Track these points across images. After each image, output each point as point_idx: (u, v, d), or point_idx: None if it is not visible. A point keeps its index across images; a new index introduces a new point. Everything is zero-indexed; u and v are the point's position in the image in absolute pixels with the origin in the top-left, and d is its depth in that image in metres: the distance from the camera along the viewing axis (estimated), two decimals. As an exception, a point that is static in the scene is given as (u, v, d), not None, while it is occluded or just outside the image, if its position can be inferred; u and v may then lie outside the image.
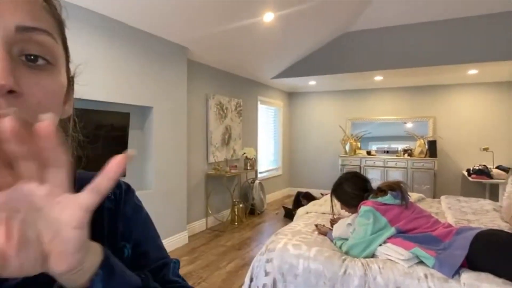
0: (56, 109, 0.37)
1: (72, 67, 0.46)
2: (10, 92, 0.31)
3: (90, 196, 0.27)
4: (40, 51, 0.34)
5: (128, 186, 0.50)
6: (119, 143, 3.09)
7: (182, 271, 3.13)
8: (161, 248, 0.51)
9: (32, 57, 0.34)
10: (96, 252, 0.34)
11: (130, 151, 0.29)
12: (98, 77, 2.81)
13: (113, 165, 0.28)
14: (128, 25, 3.07)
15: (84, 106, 2.78)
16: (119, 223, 0.46)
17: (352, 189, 2.09)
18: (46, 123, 0.26)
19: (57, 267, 0.27)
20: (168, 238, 3.61)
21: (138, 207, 0.50)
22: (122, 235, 0.46)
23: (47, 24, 0.35)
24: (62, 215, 0.26)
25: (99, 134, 2.85)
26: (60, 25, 0.39)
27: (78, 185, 0.43)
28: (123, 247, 0.46)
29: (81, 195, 0.27)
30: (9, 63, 0.31)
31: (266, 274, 1.98)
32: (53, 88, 0.36)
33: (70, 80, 0.42)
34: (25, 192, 0.26)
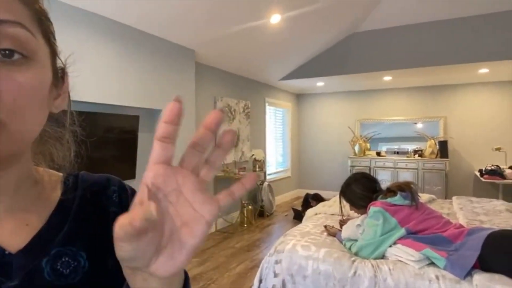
0: (37, 106, 0.34)
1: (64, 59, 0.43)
2: None
3: (226, 199, 0.29)
4: (13, 44, 0.31)
5: (132, 190, 0.50)
6: (128, 146, 3.12)
7: (192, 273, 3.14)
8: None
9: (5, 52, 0.31)
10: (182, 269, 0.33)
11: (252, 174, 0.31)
12: (108, 80, 2.85)
13: (251, 179, 0.30)
14: (136, 29, 3.11)
15: (94, 109, 2.82)
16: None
17: (360, 190, 2.07)
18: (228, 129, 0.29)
19: (164, 267, 0.27)
20: (178, 240, 3.62)
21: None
22: None
23: (21, 16, 0.33)
24: (202, 208, 0.28)
25: (109, 137, 2.89)
26: (39, 16, 0.36)
27: (81, 186, 0.44)
28: None
29: (219, 195, 0.29)
30: None
31: (275, 275, 1.98)
32: (31, 84, 0.33)
33: (58, 73, 0.40)
34: (179, 175, 0.28)
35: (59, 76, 0.40)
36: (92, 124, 2.80)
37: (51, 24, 0.39)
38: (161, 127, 0.27)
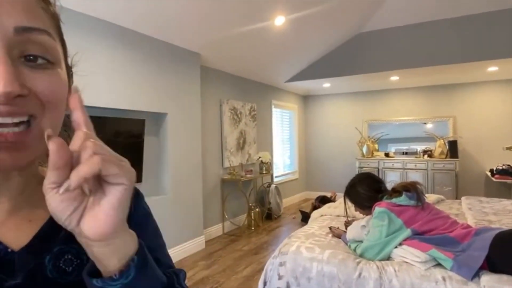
0: (63, 106, 0.37)
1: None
2: (17, 97, 0.31)
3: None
4: (40, 51, 0.34)
5: (137, 191, 0.50)
6: (135, 150, 3.15)
7: (199, 276, 3.14)
8: (169, 257, 0.50)
9: (34, 58, 0.33)
10: (132, 238, 0.35)
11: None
12: (114, 85, 2.88)
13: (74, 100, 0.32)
14: (141, 33, 3.15)
15: (100, 114, 2.86)
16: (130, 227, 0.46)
17: (365, 190, 2.04)
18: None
19: (90, 228, 0.30)
20: (185, 243, 3.64)
21: (147, 213, 0.50)
22: None
23: (45, 23, 0.35)
24: (119, 170, 0.31)
25: (116, 141, 2.92)
26: (56, 21, 0.38)
27: None
28: None
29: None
30: (12, 68, 0.31)
31: (280, 277, 1.97)
32: (58, 85, 0.36)
33: (69, 73, 0.42)
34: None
35: (70, 75, 0.42)
36: (100, 128, 2.83)
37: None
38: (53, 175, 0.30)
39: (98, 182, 0.31)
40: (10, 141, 0.32)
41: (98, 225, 0.30)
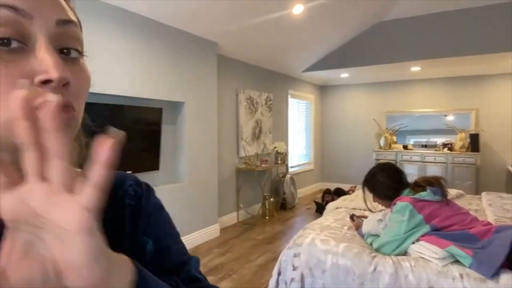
0: (86, 96, 0.38)
1: None
2: (65, 84, 0.32)
3: (90, 193, 0.24)
4: (73, 43, 0.35)
5: (147, 185, 0.51)
6: (152, 138, 3.19)
7: (213, 263, 3.19)
8: (182, 244, 0.51)
9: (69, 50, 0.35)
10: (125, 267, 0.30)
11: (115, 131, 0.25)
12: (132, 73, 2.91)
13: (104, 151, 0.24)
14: (159, 22, 3.15)
15: (119, 102, 2.89)
16: (140, 220, 0.46)
17: (385, 179, 1.97)
18: (53, 103, 0.24)
19: (73, 283, 0.24)
20: (200, 231, 3.69)
21: (158, 206, 0.50)
22: (144, 231, 0.46)
23: (75, 17, 0.36)
24: (62, 218, 0.23)
25: (133, 129, 2.96)
26: (75, 14, 0.39)
27: (115, 185, 0.44)
28: (145, 242, 0.46)
29: (81, 193, 0.24)
30: (59, 57, 0.32)
31: (294, 268, 1.97)
32: (86, 78, 0.37)
33: None
34: (24, 195, 0.23)
35: None
36: (118, 116, 2.88)
37: None
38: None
39: None
40: (65, 118, 0.32)
41: (78, 276, 0.24)
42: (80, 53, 0.36)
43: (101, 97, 2.69)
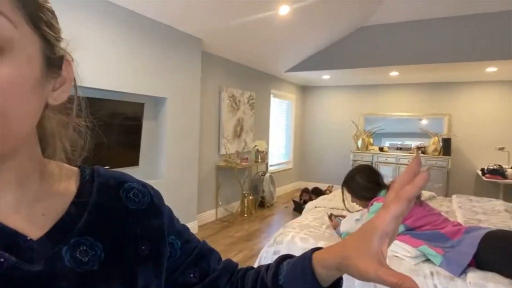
0: (21, 101, 0.33)
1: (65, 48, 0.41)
2: None
3: (399, 205, 0.37)
4: None
5: (152, 187, 0.52)
6: (133, 133, 3.15)
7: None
8: (193, 234, 0.56)
9: None
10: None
11: (427, 168, 0.38)
12: (114, 67, 2.86)
13: (421, 177, 0.36)
14: (144, 16, 3.11)
15: (99, 95, 2.84)
16: (153, 220, 0.48)
17: (364, 181, 2.06)
18: None
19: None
20: (179, 227, 3.67)
21: (169, 208, 0.54)
22: (167, 229, 0.49)
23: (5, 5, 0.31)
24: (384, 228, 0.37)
25: (113, 123, 2.91)
26: (27, 3, 0.33)
27: (98, 179, 0.45)
28: (172, 241, 0.50)
29: (391, 205, 0.37)
30: None
31: (273, 265, 2.01)
32: (8, 79, 0.31)
33: (54, 62, 0.38)
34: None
35: (57, 65, 0.38)
36: (97, 110, 2.81)
37: (48, 12, 0.37)
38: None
39: None
40: None
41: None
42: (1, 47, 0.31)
43: (81, 90, 2.62)
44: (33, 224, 0.38)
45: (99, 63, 2.73)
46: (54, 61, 0.38)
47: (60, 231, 0.39)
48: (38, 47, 0.35)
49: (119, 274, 0.41)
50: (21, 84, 0.33)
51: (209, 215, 4.47)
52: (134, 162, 3.17)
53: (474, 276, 1.62)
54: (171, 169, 3.54)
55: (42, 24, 0.35)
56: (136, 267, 0.43)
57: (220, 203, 4.65)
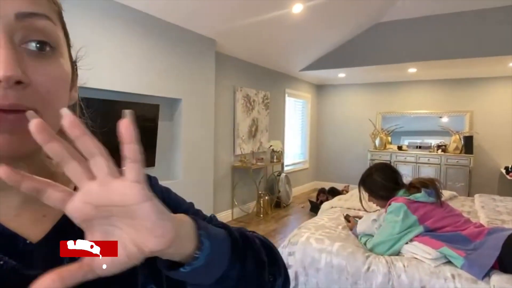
0: (64, 96, 0.36)
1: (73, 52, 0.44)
2: (18, 83, 0.30)
3: (133, 168, 0.27)
4: (41, 36, 0.33)
5: (149, 176, 0.52)
6: (149, 134, 3.18)
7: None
8: (200, 210, 0.55)
9: (35, 44, 0.33)
10: (186, 220, 0.34)
11: (126, 113, 0.29)
12: (129, 69, 2.89)
13: (126, 132, 0.28)
14: (157, 18, 3.14)
15: (116, 97, 2.88)
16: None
17: (382, 179, 1.99)
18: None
19: (153, 246, 0.28)
20: (195, 228, 3.69)
21: (166, 189, 0.54)
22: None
23: (45, 8, 0.34)
24: (121, 198, 0.27)
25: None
26: (57, 7, 0.37)
27: None
28: None
29: (126, 173, 0.27)
30: (14, 53, 0.30)
31: (288, 267, 1.99)
32: (59, 75, 0.35)
33: (73, 66, 0.41)
34: (83, 197, 0.27)
35: (75, 64, 0.42)
36: (113, 112, 2.87)
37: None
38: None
39: None
40: (9, 120, 0.31)
41: (155, 238, 0.29)
42: (51, 46, 0.34)
43: (96, 92, 2.67)
44: (34, 226, 0.38)
45: (115, 65, 2.76)
46: (73, 63, 0.41)
47: (59, 232, 0.38)
48: (67, 49, 0.38)
49: (119, 275, 0.40)
50: (67, 81, 0.36)
51: (225, 215, 4.47)
52: (151, 163, 3.21)
53: (498, 279, 1.55)
54: (187, 169, 3.56)
55: (65, 26, 0.39)
56: (136, 267, 0.42)
57: (236, 203, 4.65)
